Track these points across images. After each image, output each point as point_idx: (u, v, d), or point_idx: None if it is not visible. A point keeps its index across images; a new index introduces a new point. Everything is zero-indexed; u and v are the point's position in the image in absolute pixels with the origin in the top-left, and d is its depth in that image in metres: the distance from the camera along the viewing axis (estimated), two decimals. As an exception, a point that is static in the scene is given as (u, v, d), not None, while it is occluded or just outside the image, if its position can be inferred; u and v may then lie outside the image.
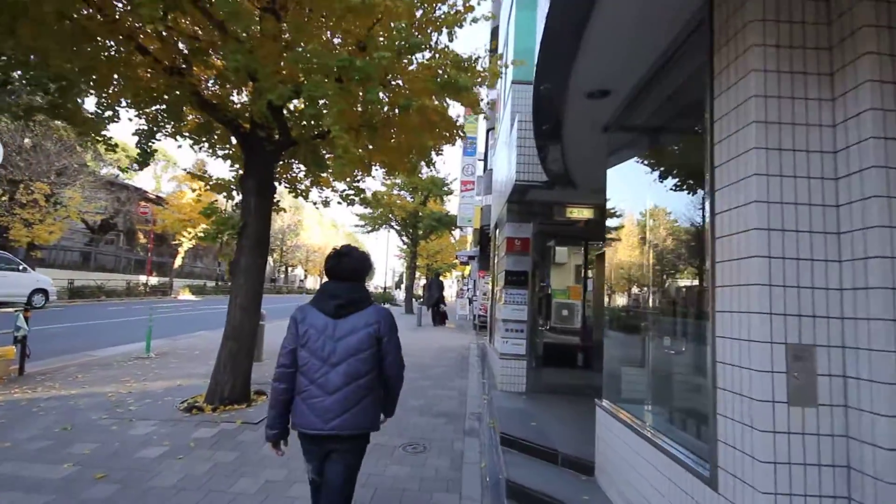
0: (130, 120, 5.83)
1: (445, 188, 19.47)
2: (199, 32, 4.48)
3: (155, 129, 5.24)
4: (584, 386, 5.83)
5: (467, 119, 13.24)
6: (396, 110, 4.90)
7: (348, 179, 6.63)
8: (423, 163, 5.95)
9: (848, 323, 1.64)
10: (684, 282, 2.63)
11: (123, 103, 5.01)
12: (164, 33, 4.26)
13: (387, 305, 13.76)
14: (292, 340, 2.01)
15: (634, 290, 3.39)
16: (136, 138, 5.20)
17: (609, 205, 3.60)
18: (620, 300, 3.66)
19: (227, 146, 6.20)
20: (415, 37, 3.97)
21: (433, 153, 5.80)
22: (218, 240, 5.43)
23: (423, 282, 27.30)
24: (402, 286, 29.90)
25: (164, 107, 5.08)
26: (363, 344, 1.99)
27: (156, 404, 4.81)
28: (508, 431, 4.08)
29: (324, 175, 6.61)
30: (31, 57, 4.10)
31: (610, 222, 3.64)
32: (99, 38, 4.20)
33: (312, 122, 5.20)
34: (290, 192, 6.89)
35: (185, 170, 14.57)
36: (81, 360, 6.97)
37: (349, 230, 45.34)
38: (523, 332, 6.08)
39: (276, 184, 6.06)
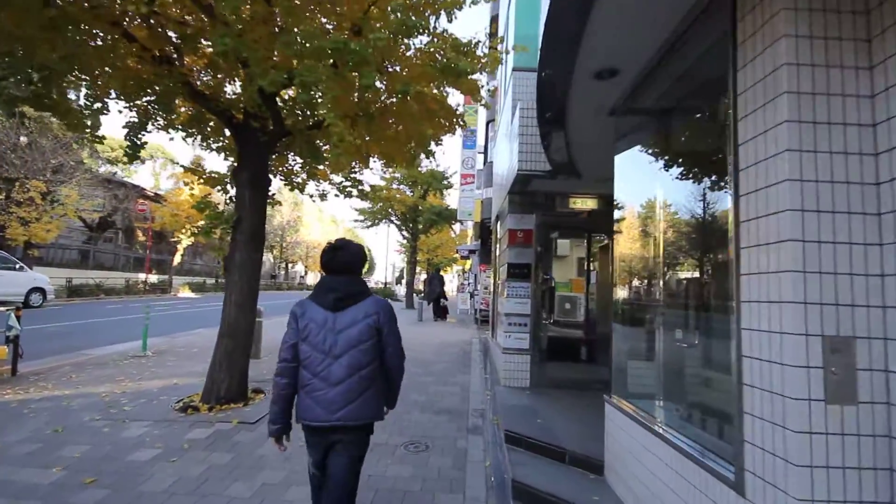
0: (120, 112, 5.66)
1: (445, 182, 19.30)
2: (188, 18, 4.30)
3: (146, 121, 5.07)
4: (589, 380, 5.71)
5: (467, 109, 13.05)
6: (394, 98, 4.73)
7: (346, 171, 6.47)
8: (422, 153, 5.77)
9: (891, 312, 1.50)
10: (701, 270, 2.48)
11: (113, 95, 4.84)
12: (150, 21, 4.09)
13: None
14: (293, 335, 2.03)
15: (644, 281, 3.24)
16: (126, 131, 5.04)
17: (616, 193, 3.45)
18: (629, 292, 3.51)
19: (221, 138, 6.04)
20: (412, 19, 3.80)
21: (433, 143, 5.62)
22: (212, 235, 5.28)
23: (423, 277, 27.17)
24: (403, 281, 29.76)
25: (154, 98, 4.91)
26: (364, 335, 2.01)
27: (150, 404, 4.69)
28: (513, 429, 3.95)
29: (320, 167, 6.45)
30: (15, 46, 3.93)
31: (617, 212, 3.48)
32: (84, 25, 4.02)
33: (307, 112, 5.03)
34: (286, 184, 6.74)
35: (181, 166, 14.38)
36: (76, 359, 6.83)
37: (349, 225, 45.26)
38: (526, 326, 5.95)
39: (272, 176, 5.90)
